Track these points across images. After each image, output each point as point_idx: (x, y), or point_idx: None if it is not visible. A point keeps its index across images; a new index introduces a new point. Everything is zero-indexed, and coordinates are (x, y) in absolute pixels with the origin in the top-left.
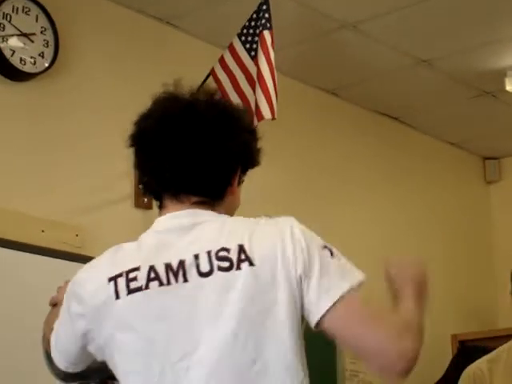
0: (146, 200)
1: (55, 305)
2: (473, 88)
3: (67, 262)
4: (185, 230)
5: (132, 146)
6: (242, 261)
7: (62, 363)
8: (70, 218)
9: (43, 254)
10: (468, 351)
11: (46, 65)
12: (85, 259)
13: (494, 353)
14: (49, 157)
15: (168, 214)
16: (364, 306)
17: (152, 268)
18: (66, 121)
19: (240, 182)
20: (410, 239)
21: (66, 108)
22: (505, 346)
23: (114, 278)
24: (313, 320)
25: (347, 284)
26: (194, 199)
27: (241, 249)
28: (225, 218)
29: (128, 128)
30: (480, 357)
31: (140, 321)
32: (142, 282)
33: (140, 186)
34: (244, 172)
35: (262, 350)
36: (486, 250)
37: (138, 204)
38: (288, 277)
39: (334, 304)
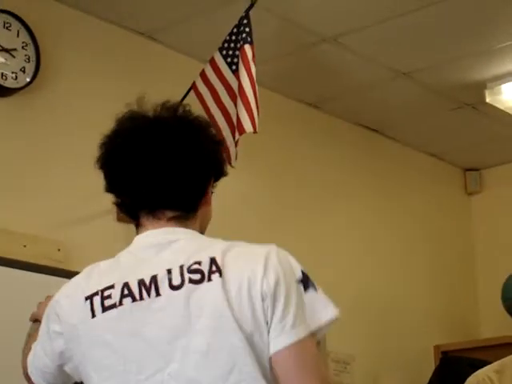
0: None
1: (36, 320)
2: (453, 100)
3: (49, 276)
4: (160, 248)
5: (102, 167)
6: (213, 272)
7: (38, 381)
8: (52, 232)
9: (25, 269)
10: (451, 362)
11: (28, 80)
12: (67, 274)
13: (497, 364)
14: (29, 171)
15: (144, 233)
16: (318, 356)
17: (126, 285)
18: (47, 135)
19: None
20: (391, 251)
21: (47, 123)
22: (509, 358)
23: (90, 297)
24: (272, 349)
25: (311, 325)
26: (170, 214)
27: (212, 261)
28: (202, 236)
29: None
30: (464, 367)
31: (114, 337)
32: (115, 299)
33: (115, 208)
34: (215, 182)
35: (237, 360)
36: (468, 261)
37: (120, 218)
38: (253, 297)
39: (294, 344)
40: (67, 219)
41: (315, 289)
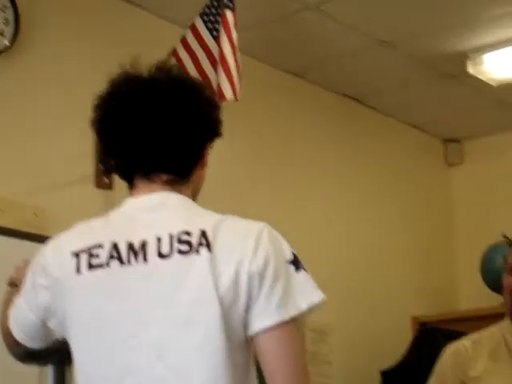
0: (107, 180)
1: (12, 284)
2: (434, 70)
3: (26, 241)
4: (152, 212)
5: (97, 130)
6: (202, 245)
7: (19, 335)
8: (30, 198)
9: (2, 234)
10: (429, 333)
11: (6, 43)
12: (44, 239)
13: (476, 335)
14: (8, 135)
15: (137, 195)
16: (300, 341)
17: (115, 246)
18: (26, 99)
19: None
20: (371, 221)
21: (25, 87)
22: (487, 330)
23: (77, 253)
24: (251, 330)
25: (296, 309)
26: (165, 177)
27: (202, 234)
28: (194, 205)
29: (89, 107)
30: (441, 338)
31: (96, 297)
32: (103, 259)
33: (101, 167)
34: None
35: (212, 334)
36: (448, 233)
37: (99, 184)
38: (240, 275)
39: (276, 326)
40: (45, 184)
41: (306, 271)
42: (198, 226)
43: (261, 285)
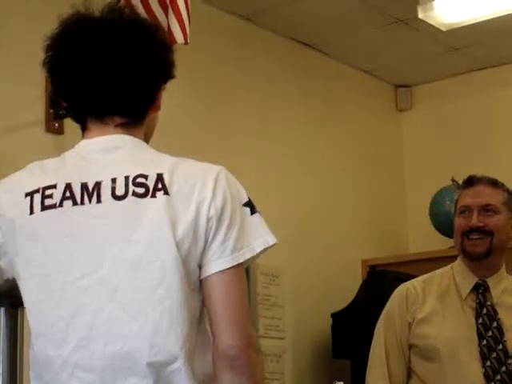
0: (57, 125)
1: None
2: (385, 15)
3: None
4: (106, 153)
5: (49, 71)
6: (158, 189)
7: None
8: None
9: None
10: (378, 276)
11: None
12: None
13: (427, 275)
14: None
15: (91, 138)
16: (245, 283)
17: (68, 186)
18: None
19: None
20: (322, 164)
21: None
22: (438, 271)
23: (30, 194)
24: (203, 272)
25: (250, 251)
26: (118, 120)
27: (159, 177)
28: (149, 148)
29: (39, 50)
30: (390, 281)
31: (48, 236)
32: (56, 199)
33: (53, 111)
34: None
35: (166, 276)
36: (397, 177)
37: (50, 129)
38: (198, 216)
39: (229, 268)
40: None
41: (260, 214)
42: (155, 169)
43: (217, 228)
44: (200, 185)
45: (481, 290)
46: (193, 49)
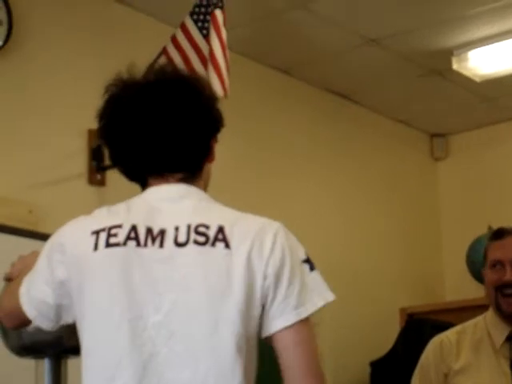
0: (99, 177)
1: (9, 279)
2: (420, 66)
3: (21, 238)
4: (172, 202)
5: (104, 141)
6: (219, 240)
7: (30, 311)
8: (24, 194)
9: None
10: (416, 324)
11: (0, 43)
12: (38, 236)
13: (460, 326)
14: (3, 134)
15: (157, 186)
16: (314, 335)
17: (134, 228)
18: (20, 97)
19: None
20: (359, 215)
21: (20, 85)
22: (471, 322)
23: (96, 232)
24: (268, 330)
25: (312, 306)
26: (178, 176)
27: (220, 229)
28: (212, 200)
29: (82, 105)
30: (428, 329)
31: (110, 273)
32: (121, 238)
33: (95, 163)
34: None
35: (218, 328)
36: (434, 225)
37: (92, 181)
38: (255, 272)
39: (295, 324)
40: (39, 181)
41: (317, 270)
42: (216, 220)
43: (276, 286)
44: (259, 241)
45: None
46: (232, 102)
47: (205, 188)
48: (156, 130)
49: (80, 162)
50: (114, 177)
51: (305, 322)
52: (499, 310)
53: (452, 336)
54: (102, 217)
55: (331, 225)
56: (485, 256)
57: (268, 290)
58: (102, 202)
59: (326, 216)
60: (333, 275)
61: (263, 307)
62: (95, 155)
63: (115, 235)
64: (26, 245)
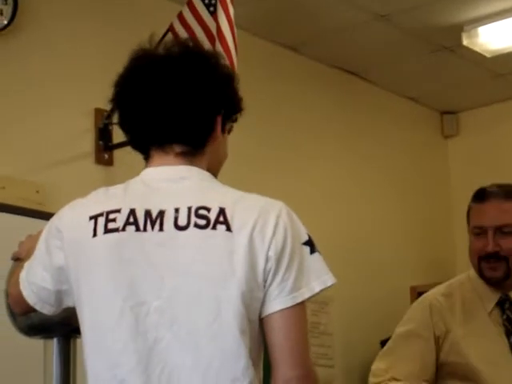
0: (106, 156)
1: (17, 259)
2: (430, 43)
3: (28, 218)
4: (171, 183)
5: (116, 105)
6: (220, 223)
7: (30, 297)
8: (31, 174)
9: (4, 211)
10: None
11: (5, 22)
12: (45, 216)
13: (445, 288)
14: (8, 113)
15: (156, 166)
16: (306, 320)
17: (132, 212)
18: (26, 78)
19: (226, 130)
20: (370, 193)
21: (26, 65)
22: (455, 283)
23: (94, 217)
24: (263, 311)
25: (309, 291)
26: (178, 149)
27: (221, 211)
28: (213, 180)
29: (89, 84)
30: None
31: (110, 259)
32: (119, 223)
33: (102, 142)
34: (229, 119)
35: (221, 313)
36: (444, 203)
37: (99, 160)
38: (257, 255)
39: (288, 308)
40: (46, 161)
41: (320, 253)
42: (218, 202)
43: (277, 268)
44: (261, 222)
45: (507, 306)
46: (240, 79)
47: (213, 169)
48: (162, 100)
49: (87, 141)
50: (122, 156)
51: (299, 306)
52: (482, 277)
53: (441, 299)
54: (100, 200)
55: (343, 204)
56: (468, 218)
57: (269, 272)
58: (110, 182)
59: (336, 195)
60: (344, 254)
61: (264, 289)
62: (102, 135)
63: (114, 220)
64: (33, 225)
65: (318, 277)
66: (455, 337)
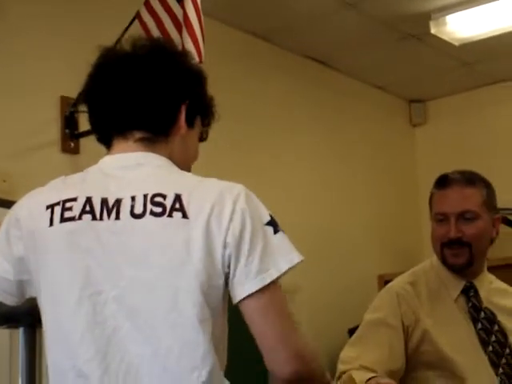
0: (72, 145)
1: None
2: (398, 31)
3: None
4: (128, 170)
5: (85, 104)
6: (176, 210)
7: None
8: None
9: None
10: None
11: None
12: (12, 204)
13: (408, 275)
14: None
15: (114, 154)
16: (283, 300)
17: (88, 200)
18: None
19: (195, 126)
20: (337, 181)
21: None
22: (419, 270)
23: (51, 206)
24: (234, 298)
25: (276, 271)
26: (138, 135)
27: (177, 198)
28: (172, 166)
29: (54, 72)
30: None
31: (66, 249)
32: (76, 212)
33: (68, 131)
34: (198, 114)
35: (178, 302)
36: (412, 192)
37: (65, 149)
38: (214, 242)
39: (258, 290)
40: (12, 150)
41: (283, 232)
42: (174, 189)
43: (238, 254)
44: (218, 208)
45: (472, 293)
46: (207, 67)
47: (182, 166)
48: (121, 89)
49: (53, 129)
50: (88, 144)
51: (270, 287)
52: (445, 263)
53: (408, 287)
54: (57, 189)
55: (309, 193)
56: (430, 205)
57: (230, 258)
58: (76, 170)
59: (303, 183)
60: (311, 243)
61: (227, 276)
62: (68, 123)
63: (70, 209)
64: (0, 213)
65: (284, 256)
66: (425, 325)
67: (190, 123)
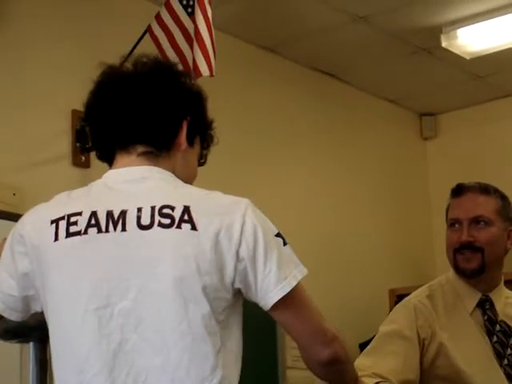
0: (83, 158)
1: None
2: (409, 45)
3: (4, 221)
4: (133, 183)
5: (86, 120)
6: (185, 221)
7: None
8: (8, 176)
9: None
10: None
11: None
12: None
13: (426, 290)
14: None
15: (118, 168)
16: (306, 297)
17: (94, 214)
18: (3, 79)
19: (195, 144)
20: (348, 196)
21: (3, 66)
22: (436, 284)
23: (56, 221)
24: (264, 307)
25: (293, 278)
26: (140, 149)
27: (186, 209)
28: (177, 180)
29: (66, 86)
30: None
31: (71, 264)
32: (81, 226)
33: (79, 145)
34: (198, 133)
35: (187, 313)
36: (424, 205)
37: (76, 162)
38: (224, 255)
39: (281, 299)
40: (23, 163)
41: (289, 246)
42: (182, 201)
43: (254, 266)
44: (227, 222)
45: (487, 306)
46: (218, 80)
47: (182, 176)
48: (124, 106)
49: (64, 143)
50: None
51: (292, 294)
52: (457, 270)
53: (425, 301)
54: (62, 203)
55: (321, 207)
56: (446, 215)
57: (245, 271)
58: (86, 184)
59: (315, 198)
60: (322, 256)
61: (239, 290)
62: (79, 137)
63: (75, 223)
64: (10, 227)
65: (296, 266)
66: (441, 338)
67: (191, 142)
